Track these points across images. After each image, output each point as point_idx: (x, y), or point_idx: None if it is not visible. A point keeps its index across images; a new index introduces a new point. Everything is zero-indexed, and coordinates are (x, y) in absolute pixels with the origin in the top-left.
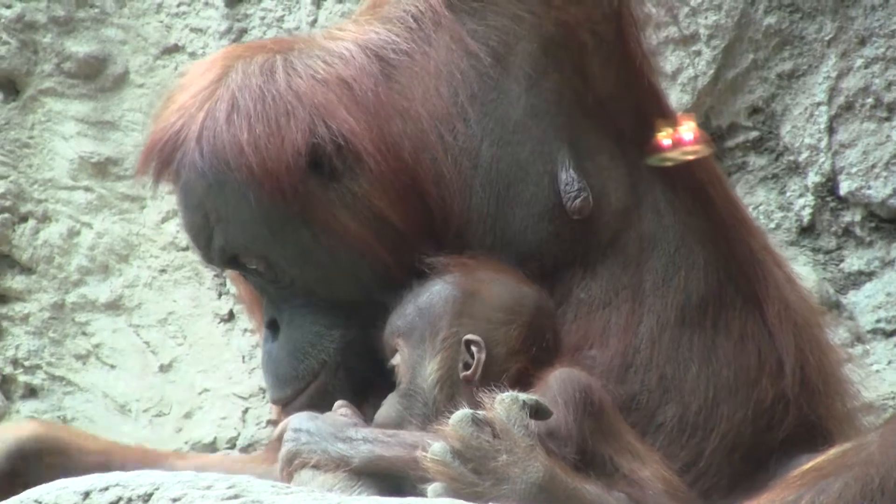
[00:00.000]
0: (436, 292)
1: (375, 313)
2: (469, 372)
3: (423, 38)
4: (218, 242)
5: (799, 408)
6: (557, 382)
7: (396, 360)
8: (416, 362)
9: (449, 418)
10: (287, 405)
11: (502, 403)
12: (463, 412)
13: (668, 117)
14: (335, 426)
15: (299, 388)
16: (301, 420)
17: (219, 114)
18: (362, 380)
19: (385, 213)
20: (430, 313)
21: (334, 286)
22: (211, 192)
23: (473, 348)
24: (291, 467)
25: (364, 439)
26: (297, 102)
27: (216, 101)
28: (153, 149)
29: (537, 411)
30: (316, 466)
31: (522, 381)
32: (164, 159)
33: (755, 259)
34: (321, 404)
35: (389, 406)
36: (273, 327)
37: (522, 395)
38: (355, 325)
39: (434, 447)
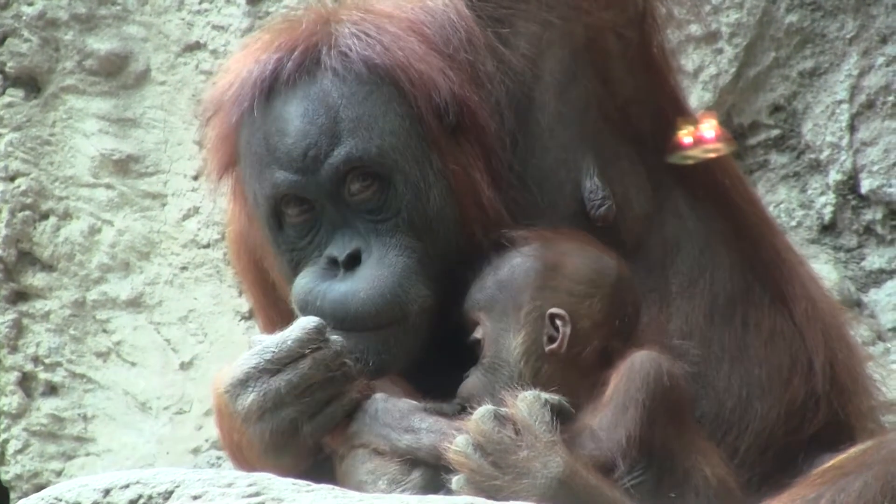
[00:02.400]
0: (516, 265)
1: (453, 284)
2: (555, 345)
3: (467, 45)
4: (342, 152)
5: (829, 405)
6: (640, 376)
7: (479, 333)
8: (499, 336)
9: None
10: (356, 332)
11: (524, 401)
12: (485, 408)
13: (687, 120)
14: (402, 412)
15: (373, 325)
16: (375, 401)
17: (394, 26)
18: (420, 353)
19: (477, 185)
20: (512, 286)
21: (436, 235)
22: (353, 99)
23: (558, 322)
24: (353, 444)
25: (429, 429)
26: (460, 50)
27: (391, 17)
28: (291, 47)
29: (560, 411)
30: (375, 450)
31: (605, 355)
32: (302, 57)
33: (780, 258)
34: (379, 357)
35: (475, 379)
36: (351, 263)
37: (545, 395)
38: (439, 291)
39: (457, 440)
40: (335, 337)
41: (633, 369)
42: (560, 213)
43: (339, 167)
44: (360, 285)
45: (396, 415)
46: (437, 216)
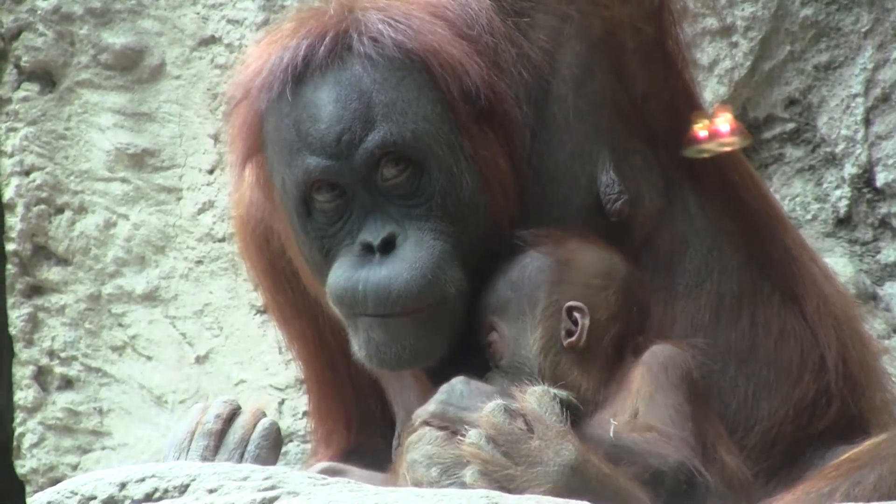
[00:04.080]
0: (527, 264)
1: (479, 275)
2: (574, 338)
3: (488, 33)
4: (376, 137)
5: (842, 400)
6: (666, 372)
7: (493, 337)
8: (517, 336)
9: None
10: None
11: (534, 395)
12: (496, 403)
13: (700, 114)
14: (486, 397)
15: (414, 307)
16: (457, 383)
17: (419, 12)
18: (453, 344)
19: (504, 173)
20: (526, 285)
21: (468, 221)
22: (386, 84)
23: (577, 314)
24: (426, 422)
25: None
26: (483, 37)
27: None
28: (320, 34)
29: (569, 406)
30: (448, 434)
31: (621, 346)
32: (333, 43)
33: (790, 256)
34: (418, 342)
35: (493, 383)
36: (386, 248)
37: (554, 390)
38: (470, 279)
39: (470, 433)
40: None
41: (666, 365)
42: (575, 207)
43: (374, 152)
44: (401, 267)
45: (480, 399)
46: (470, 202)
